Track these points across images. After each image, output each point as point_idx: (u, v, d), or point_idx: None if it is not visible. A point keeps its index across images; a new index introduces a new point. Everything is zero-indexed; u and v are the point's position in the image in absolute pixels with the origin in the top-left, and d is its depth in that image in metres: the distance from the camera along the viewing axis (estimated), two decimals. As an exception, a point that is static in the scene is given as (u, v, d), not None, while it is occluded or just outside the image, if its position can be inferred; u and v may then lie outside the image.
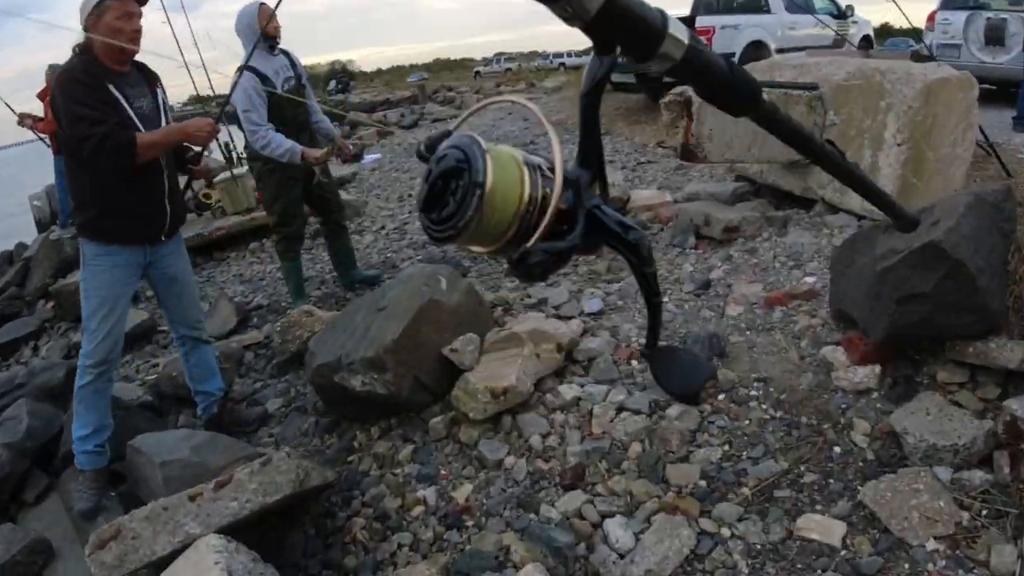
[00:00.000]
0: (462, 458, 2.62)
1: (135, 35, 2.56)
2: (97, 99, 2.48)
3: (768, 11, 10.16)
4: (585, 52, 42.80)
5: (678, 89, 3.87)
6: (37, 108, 7.35)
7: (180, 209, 2.92)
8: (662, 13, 0.56)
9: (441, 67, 71.68)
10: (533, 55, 53.07)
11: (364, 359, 2.76)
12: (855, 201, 3.63)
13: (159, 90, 2.80)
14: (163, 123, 2.72)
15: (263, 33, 3.68)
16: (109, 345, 2.81)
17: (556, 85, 22.12)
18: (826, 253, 3.38)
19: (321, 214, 4.60)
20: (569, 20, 0.50)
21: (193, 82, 8.68)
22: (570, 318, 3.29)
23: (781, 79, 4.15)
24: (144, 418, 3.62)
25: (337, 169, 9.16)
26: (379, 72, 75.38)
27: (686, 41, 0.56)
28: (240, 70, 3.66)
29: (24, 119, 7.37)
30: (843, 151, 0.95)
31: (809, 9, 10.77)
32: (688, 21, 9.54)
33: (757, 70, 4.43)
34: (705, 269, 3.56)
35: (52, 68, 7.67)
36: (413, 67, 71.73)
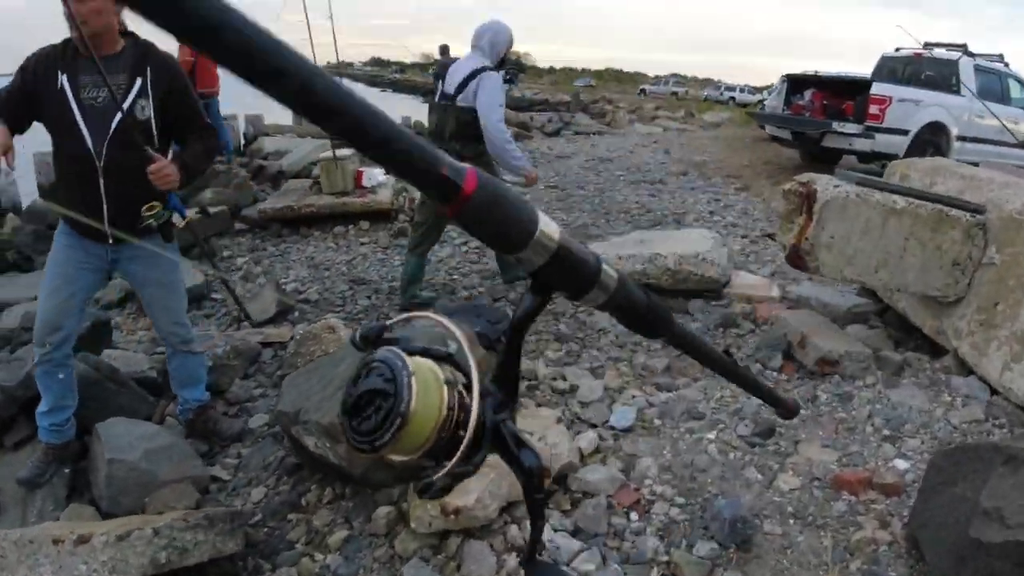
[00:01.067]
0: (387, 570, 2.14)
1: (89, 15, 2.28)
2: (24, 80, 2.41)
3: (956, 91, 8.85)
4: (760, 89, 40.81)
5: (804, 177, 3.16)
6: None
7: (131, 215, 2.52)
8: (596, 258, 0.59)
9: (611, 77, 71.04)
10: (708, 83, 51.27)
11: (318, 423, 2.34)
12: (994, 368, 2.81)
13: (146, 76, 2.48)
14: (117, 117, 2.40)
15: (502, 59, 4.00)
16: (45, 326, 2.59)
17: (715, 121, 21.05)
18: (936, 432, 2.60)
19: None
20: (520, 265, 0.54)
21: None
22: (592, 426, 2.73)
23: (942, 187, 3.33)
24: (133, 396, 3.40)
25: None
26: (551, 70, 75.77)
27: (615, 280, 0.61)
28: (482, 70, 3.81)
29: None
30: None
31: (1004, 99, 9.35)
32: (866, 85, 8.46)
33: (917, 169, 3.61)
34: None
35: None
36: (584, 71, 71.61)
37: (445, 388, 0.59)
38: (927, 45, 10.06)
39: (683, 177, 9.09)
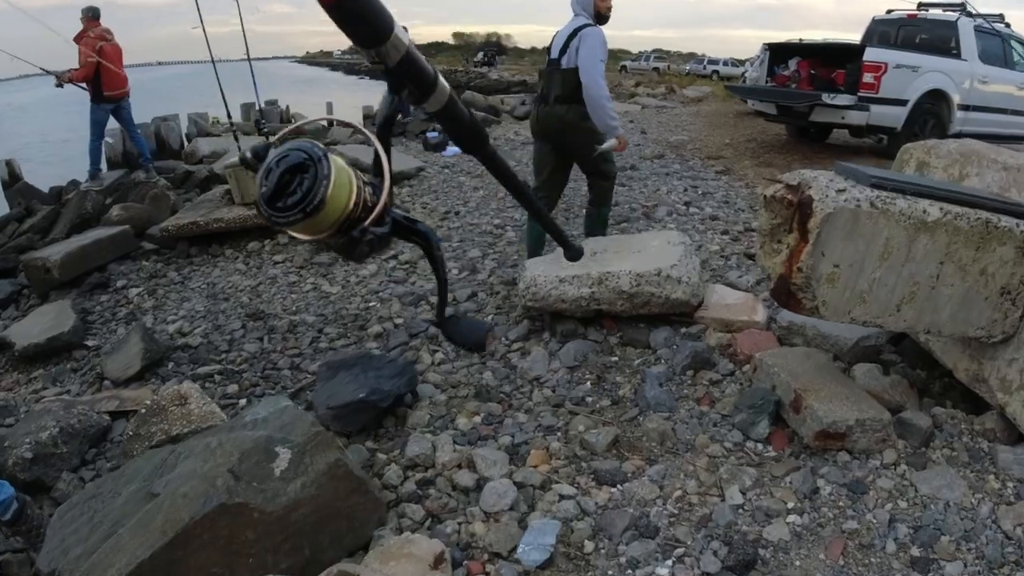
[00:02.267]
0: None
1: None
2: None
3: (958, 55, 7.97)
4: (743, 62, 39.79)
5: (794, 176, 2.28)
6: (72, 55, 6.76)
7: None
8: (434, 69, 0.73)
9: None
10: (691, 57, 50.05)
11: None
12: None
13: None
14: None
15: (597, 12, 3.85)
16: None
17: (697, 96, 20.06)
18: (983, 545, 1.77)
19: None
20: (374, 63, 0.65)
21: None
22: (492, 559, 1.88)
23: (977, 180, 2.47)
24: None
25: (403, 160, 7.99)
26: (532, 51, 74.36)
27: (447, 91, 0.76)
28: (582, 27, 3.73)
29: (62, 78, 6.76)
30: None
31: (1008, 63, 8.46)
32: (858, 51, 7.56)
33: (941, 155, 2.74)
34: (760, 515, 2.01)
35: (85, 12, 7.02)
36: (564, 50, 69.81)
37: (351, 171, 0.67)
38: (921, 5, 9.15)
39: (658, 161, 8.19)
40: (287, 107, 13.89)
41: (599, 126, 3.78)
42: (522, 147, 9.48)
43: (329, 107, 15.67)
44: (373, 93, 24.98)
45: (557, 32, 3.94)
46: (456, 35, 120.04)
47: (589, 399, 2.78)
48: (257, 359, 3.57)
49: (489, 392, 2.89)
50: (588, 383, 2.92)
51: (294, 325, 3.90)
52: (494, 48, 63.50)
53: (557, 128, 3.86)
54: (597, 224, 4.26)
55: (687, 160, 8.31)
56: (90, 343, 4.23)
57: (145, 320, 4.38)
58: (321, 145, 0.66)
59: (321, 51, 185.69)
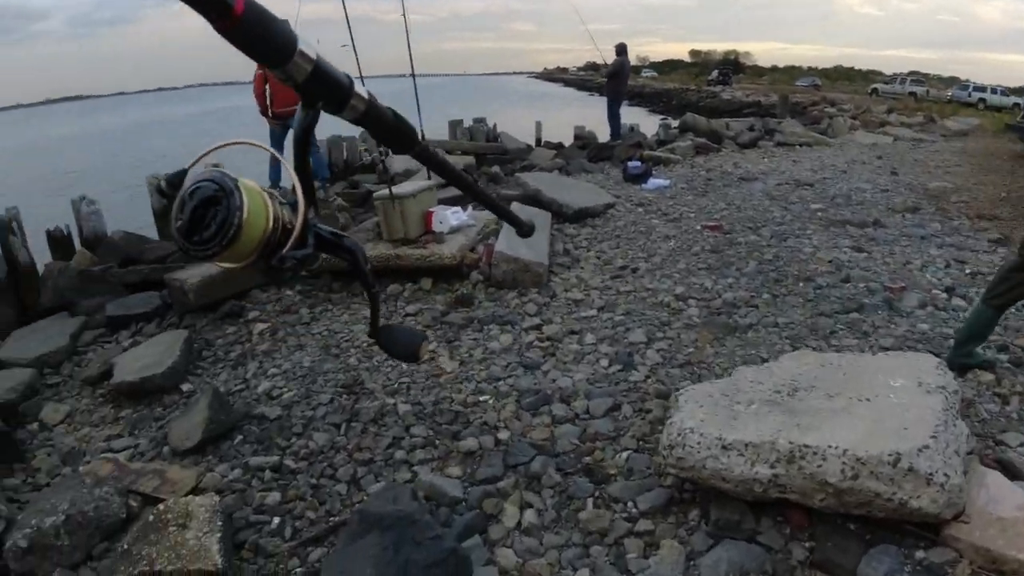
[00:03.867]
0: None
1: None
2: None
3: None
4: (1014, 91, 33.65)
5: None
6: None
7: None
8: (348, 77, 0.71)
9: (840, 75, 63.42)
10: (953, 82, 43.42)
11: None
12: None
13: None
14: None
15: None
16: None
17: (962, 128, 16.76)
18: None
19: None
20: (285, 81, 0.63)
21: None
22: None
23: None
24: None
25: (593, 194, 7.02)
26: (772, 69, 69.86)
27: (366, 97, 0.72)
28: None
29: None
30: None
31: None
32: None
33: None
34: None
35: None
36: (811, 70, 64.54)
37: (265, 195, 0.66)
38: None
39: (911, 217, 6.38)
40: (494, 125, 13.55)
41: None
42: (738, 184, 8.07)
43: (538, 126, 15.15)
44: (593, 109, 24.37)
45: None
46: (692, 52, 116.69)
47: None
48: (320, 458, 2.80)
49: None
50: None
51: (383, 412, 3.09)
52: (730, 66, 60.53)
53: None
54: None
55: (950, 218, 6.39)
56: (186, 387, 3.79)
57: (248, 368, 3.87)
58: (231, 175, 0.63)
59: (558, 67, 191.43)
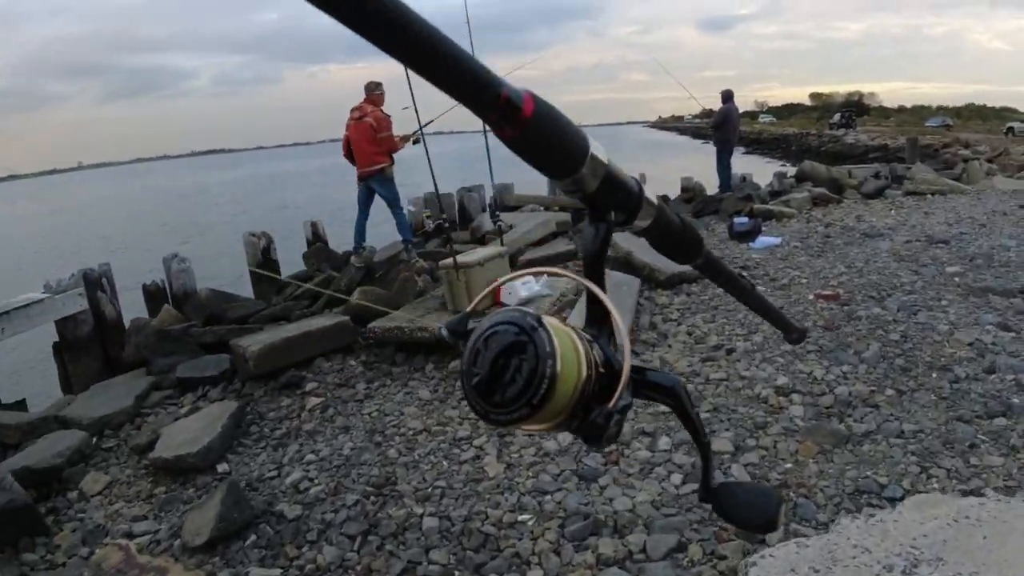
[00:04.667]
0: None
1: None
2: None
3: None
4: None
5: None
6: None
7: None
8: (638, 182, 0.61)
9: (972, 114, 58.63)
10: None
11: None
12: None
13: None
14: None
15: None
16: None
17: None
18: None
19: None
20: (571, 193, 0.54)
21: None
22: None
23: None
24: None
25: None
26: (899, 110, 65.86)
27: (655, 203, 0.63)
28: None
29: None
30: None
31: None
32: None
33: None
34: None
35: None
36: (940, 109, 60.03)
37: (573, 333, 0.53)
38: None
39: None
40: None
41: None
42: (861, 240, 7.18)
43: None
44: (707, 157, 23.53)
45: None
46: (813, 95, 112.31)
47: None
48: (324, 583, 2.38)
49: None
50: None
51: (407, 525, 2.64)
52: (853, 108, 57.48)
53: None
54: None
55: None
56: (222, 467, 3.52)
57: (288, 450, 3.56)
58: (532, 312, 0.51)
59: (672, 115, 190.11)
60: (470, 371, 0.52)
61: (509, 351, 0.50)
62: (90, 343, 6.14)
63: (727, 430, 3.13)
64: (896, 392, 3.43)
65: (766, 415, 3.25)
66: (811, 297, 5.08)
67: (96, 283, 6.34)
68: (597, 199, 0.56)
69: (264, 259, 7.99)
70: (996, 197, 10.57)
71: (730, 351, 4.09)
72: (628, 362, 0.54)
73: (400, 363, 4.56)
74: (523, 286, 4.41)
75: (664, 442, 3.05)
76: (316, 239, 9.16)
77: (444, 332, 0.60)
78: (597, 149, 0.54)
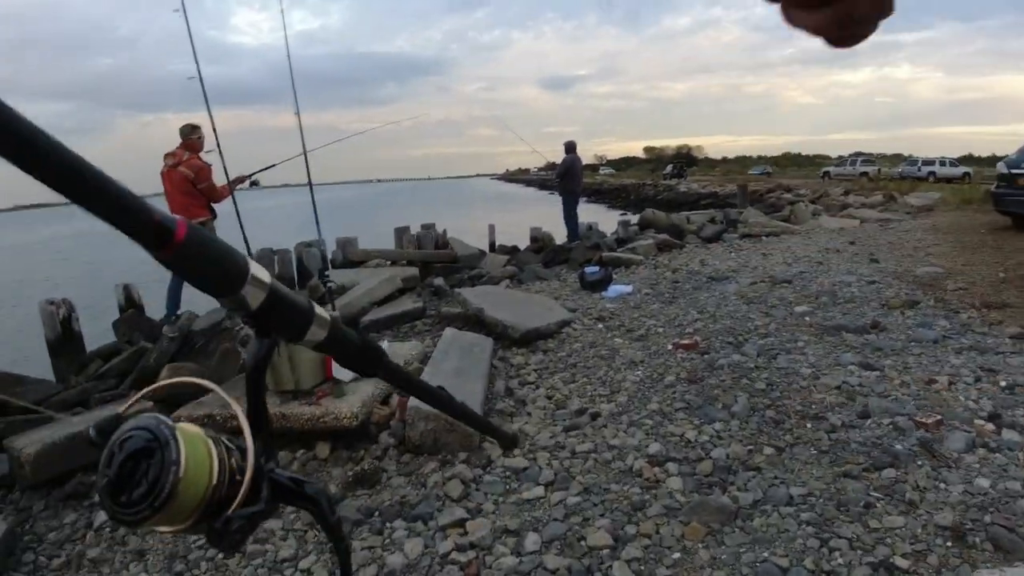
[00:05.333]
0: None
1: None
2: None
3: None
4: (961, 161, 35.32)
5: None
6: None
7: None
8: (309, 301, 0.64)
9: (789, 162, 65.61)
10: (898, 159, 44.74)
11: None
12: None
13: None
14: None
15: None
16: None
17: (924, 203, 16.57)
18: None
19: None
20: (233, 311, 0.58)
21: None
22: None
23: None
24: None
25: (545, 310, 6.06)
26: (723, 160, 72.18)
27: (328, 320, 0.66)
28: None
29: None
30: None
31: None
32: None
33: None
34: None
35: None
36: (760, 158, 66.45)
37: (211, 442, 0.56)
38: None
39: (910, 314, 5.50)
40: (444, 231, 12.72)
41: None
42: (708, 284, 7.22)
43: (492, 229, 14.41)
44: (553, 207, 24.02)
45: None
46: (647, 149, 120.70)
47: None
48: None
49: None
50: None
51: None
52: (683, 160, 62.14)
53: None
54: None
55: (955, 311, 5.53)
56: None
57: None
58: (169, 420, 0.53)
59: (520, 168, 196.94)
60: (103, 472, 0.53)
61: (139, 455, 0.52)
62: None
63: (602, 515, 2.68)
64: (775, 449, 3.15)
65: (643, 492, 2.84)
66: (670, 347, 4.85)
67: None
68: (261, 316, 0.59)
69: (64, 331, 6.78)
70: (825, 235, 11.32)
71: (595, 415, 3.70)
72: (251, 469, 0.54)
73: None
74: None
75: (532, 541, 2.54)
76: (130, 305, 7.98)
77: (92, 432, 0.58)
78: (259, 270, 0.57)
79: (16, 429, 4.19)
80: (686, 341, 4.90)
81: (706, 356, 4.58)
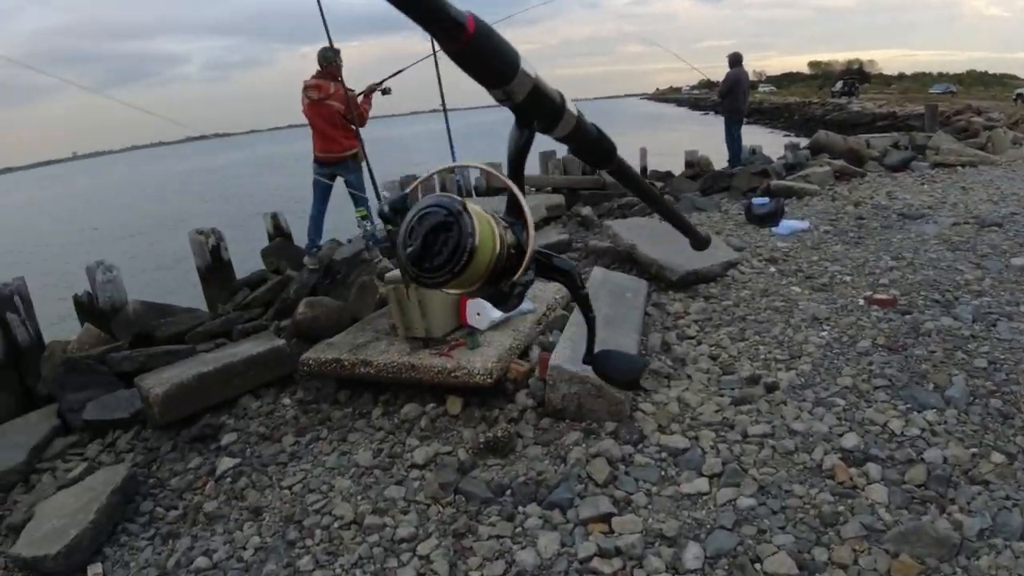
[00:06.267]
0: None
1: None
2: None
3: None
4: None
5: None
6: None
7: None
8: (560, 95, 0.68)
9: (974, 81, 57.20)
10: None
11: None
12: None
13: None
14: None
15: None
16: None
17: None
18: None
19: None
20: (502, 101, 0.63)
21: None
22: None
23: None
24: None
25: (710, 250, 5.39)
26: (900, 77, 64.43)
27: (575, 115, 0.71)
28: None
29: None
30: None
31: None
32: None
33: None
34: None
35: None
36: (941, 76, 58.48)
37: (491, 218, 0.62)
38: None
39: None
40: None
41: None
42: (899, 223, 6.18)
43: (643, 153, 13.46)
44: (707, 128, 22.31)
45: None
46: (812, 64, 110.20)
47: None
48: None
49: None
50: None
51: None
52: (856, 76, 56.03)
53: None
54: None
55: None
56: (93, 570, 2.58)
57: (180, 544, 2.62)
58: (458, 198, 0.59)
59: (671, 87, 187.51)
60: (405, 243, 0.60)
61: (438, 228, 0.58)
62: (5, 372, 5.15)
63: (782, 528, 2.15)
64: (1005, 456, 2.44)
65: (835, 501, 2.27)
66: (861, 302, 4.08)
67: (7, 302, 5.32)
68: (524, 108, 0.64)
69: (214, 260, 6.98)
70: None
71: (771, 386, 3.10)
72: (532, 246, 0.63)
73: (343, 403, 3.58)
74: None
75: (693, 556, 2.07)
76: (277, 233, 8.13)
77: (385, 208, 0.66)
78: (527, 64, 0.61)
79: (157, 362, 4.24)
80: (881, 296, 4.09)
81: (907, 317, 3.77)
